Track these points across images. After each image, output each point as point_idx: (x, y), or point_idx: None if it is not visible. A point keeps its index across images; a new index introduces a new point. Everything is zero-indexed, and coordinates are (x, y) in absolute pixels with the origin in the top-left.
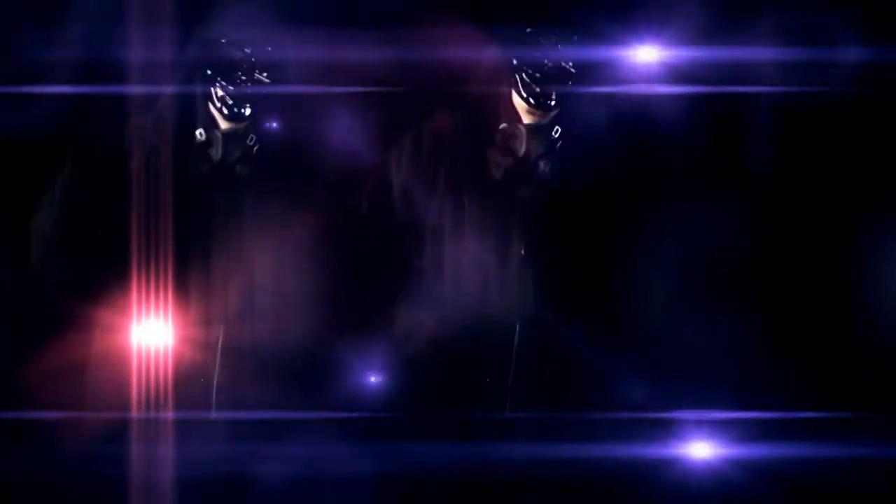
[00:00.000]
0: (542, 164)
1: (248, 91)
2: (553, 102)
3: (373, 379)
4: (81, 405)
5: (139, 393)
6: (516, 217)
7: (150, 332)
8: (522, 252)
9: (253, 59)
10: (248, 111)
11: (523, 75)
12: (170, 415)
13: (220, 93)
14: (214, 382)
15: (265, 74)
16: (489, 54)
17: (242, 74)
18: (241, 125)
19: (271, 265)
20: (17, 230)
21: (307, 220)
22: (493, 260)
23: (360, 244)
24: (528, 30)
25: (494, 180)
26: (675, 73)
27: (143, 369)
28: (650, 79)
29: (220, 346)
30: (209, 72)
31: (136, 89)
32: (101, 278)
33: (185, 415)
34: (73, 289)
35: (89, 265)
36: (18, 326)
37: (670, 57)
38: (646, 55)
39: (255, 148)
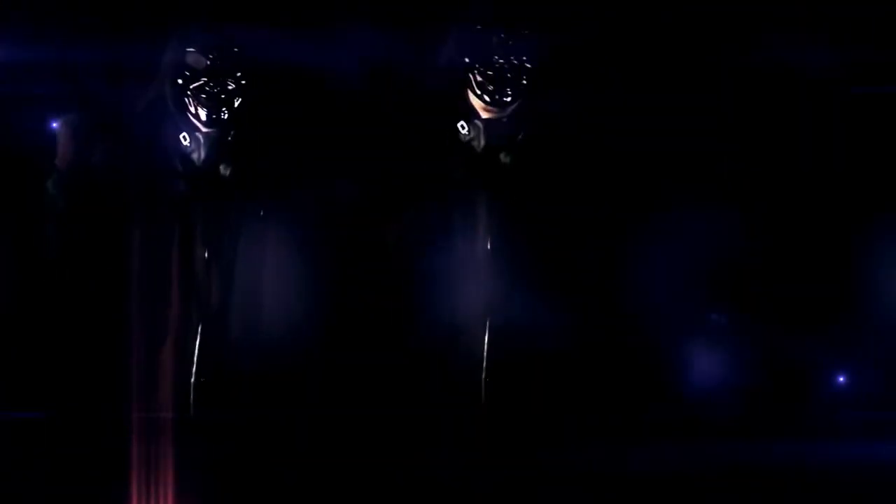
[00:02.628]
0: (502, 159)
1: (223, 95)
2: (509, 98)
3: None
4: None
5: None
6: (479, 215)
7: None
8: (489, 249)
9: (221, 63)
10: (225, 115)
11: (476, 73)
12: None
13: (196, 99)
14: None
15: (238, 77)
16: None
17: (213, 79)
18: (220, 129)
19: (257, 268)
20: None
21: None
22: (461, 258)
23: (335, 249)
24: (479, 27)
25: (455, 179)
26: None
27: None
28: None
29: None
30: (181, 79)
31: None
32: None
33: None
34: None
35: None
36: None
37: None
38: None
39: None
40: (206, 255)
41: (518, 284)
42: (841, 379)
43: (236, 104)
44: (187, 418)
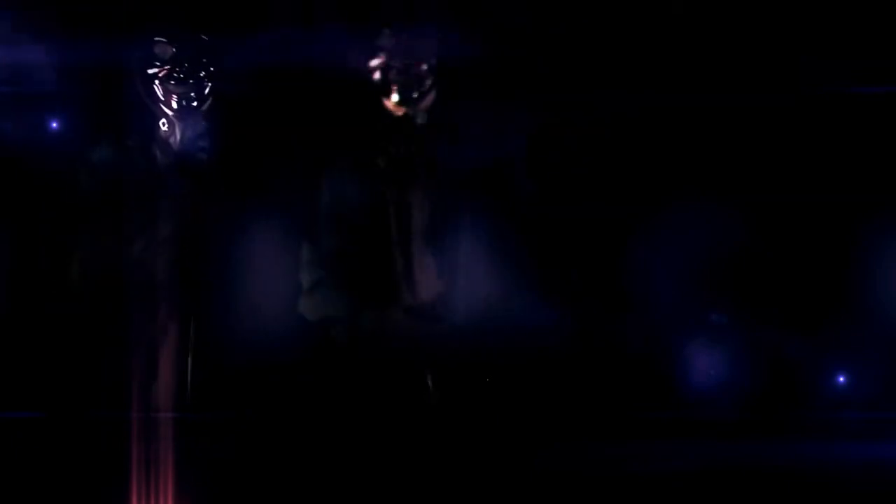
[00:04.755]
0: (417, 156)
1: (194, 84)
2: (418, 96)
3: None
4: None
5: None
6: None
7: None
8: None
9: (191, 53)
10: (196, 105)
11: (385, 73)
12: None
13: (167, 89)
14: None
15: (208, 64)
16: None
17: (184, 69)
18: (195, 119)
19: (255, 267)
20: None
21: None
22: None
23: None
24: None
25: (378, 176)
26: None
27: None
28: None
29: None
30: (152, 70)
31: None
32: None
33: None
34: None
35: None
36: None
37: None
38: None
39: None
40: (204, 254)
41: (519, 285)
42: (841, 379)
43: (207, 92)
44: (187, 418)
